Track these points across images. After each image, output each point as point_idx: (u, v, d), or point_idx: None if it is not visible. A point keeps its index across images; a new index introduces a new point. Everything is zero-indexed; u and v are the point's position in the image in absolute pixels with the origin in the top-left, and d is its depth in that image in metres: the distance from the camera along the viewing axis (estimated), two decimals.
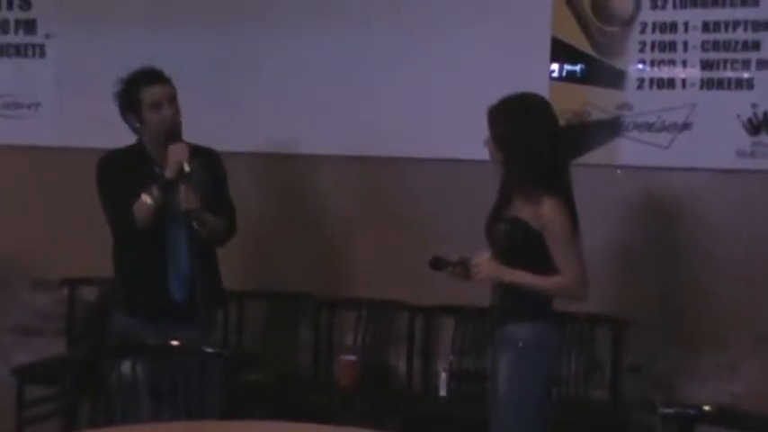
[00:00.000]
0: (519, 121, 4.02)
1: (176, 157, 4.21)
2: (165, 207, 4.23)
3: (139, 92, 4.30)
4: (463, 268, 4.07)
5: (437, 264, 4.12)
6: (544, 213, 3.94)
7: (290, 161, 5.54)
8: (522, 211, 4.00)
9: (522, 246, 4.01)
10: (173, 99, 4.34)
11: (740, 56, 4.80)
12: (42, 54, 5.95)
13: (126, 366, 3.78)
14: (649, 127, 4.93)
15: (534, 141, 3.98)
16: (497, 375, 4.06)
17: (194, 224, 4.20)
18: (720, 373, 4.86)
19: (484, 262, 4.02)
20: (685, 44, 4.89)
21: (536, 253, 3.97)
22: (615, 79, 4.98)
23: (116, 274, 4.50)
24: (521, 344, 4.00)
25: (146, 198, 4.21)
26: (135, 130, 4.40)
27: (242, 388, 4.58)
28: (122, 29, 5.70)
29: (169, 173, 4.21)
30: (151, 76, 4.33)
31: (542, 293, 4.01)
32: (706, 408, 3.14)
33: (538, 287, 3.99)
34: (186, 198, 4.20)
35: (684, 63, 4.89)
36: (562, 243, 3.96)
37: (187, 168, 4.20)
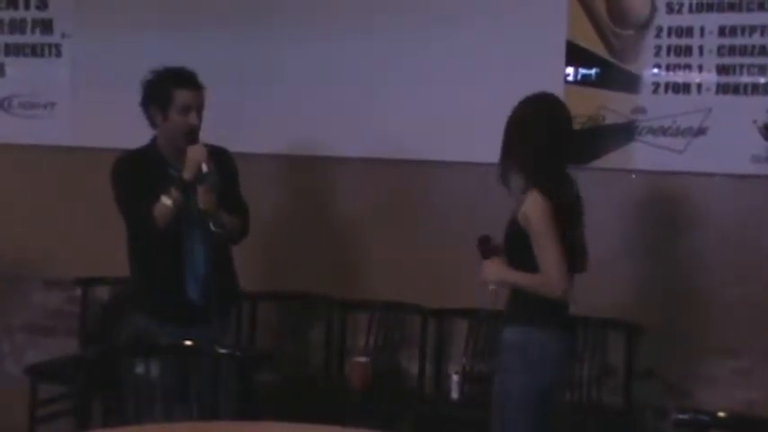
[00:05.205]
0: (520, 122, 4.02)
1: (195, 157, 4.22)
2: (183, 208, 4.24)
3: (173, 90, 4.30)
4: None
5: (483, 244, 4.11)
6: (525, 209, 3.94)
7: (306, 163, 5.53)
8: (519, 210, 4.00)
9: (517, 246, 4.00)
10: (201, 106, 4.35)
11: (756, 61, 4.78)
12: (58, 54, 5.96)
13: (140, 366, 3.79)
14: (664, 131, 4.92)
15: (533, 139, 3.98)
16: (499, 378, 4.07)
17: (211, 225, 4.21)
18: (735, 379, 4.84)
19: (489, 266, 4.05)
20: (701, 48, 4.87)
21: (529, 252, 3.95)
22: (630, 83, 4.96)
23: (132, 275, 4.50)
24: (523, 347, 3.99)
25: (165, 200, 4.21)
26: (152, 124, 4.40)
27: (254, 388, 4.59)
28: (139, 29, 5.71)
29: (188, 174, 4.22)
30: (188, 79, 4.34)
31: (528, 291, 3.97)
32: (720, 414, 3.13)
33: (524, 285, 3.98)
34: (203, 199, 4.22)
35: (700, 68, 4.87)
36: (538, 239, 3.91)
37: (205, 169, 4.21)
